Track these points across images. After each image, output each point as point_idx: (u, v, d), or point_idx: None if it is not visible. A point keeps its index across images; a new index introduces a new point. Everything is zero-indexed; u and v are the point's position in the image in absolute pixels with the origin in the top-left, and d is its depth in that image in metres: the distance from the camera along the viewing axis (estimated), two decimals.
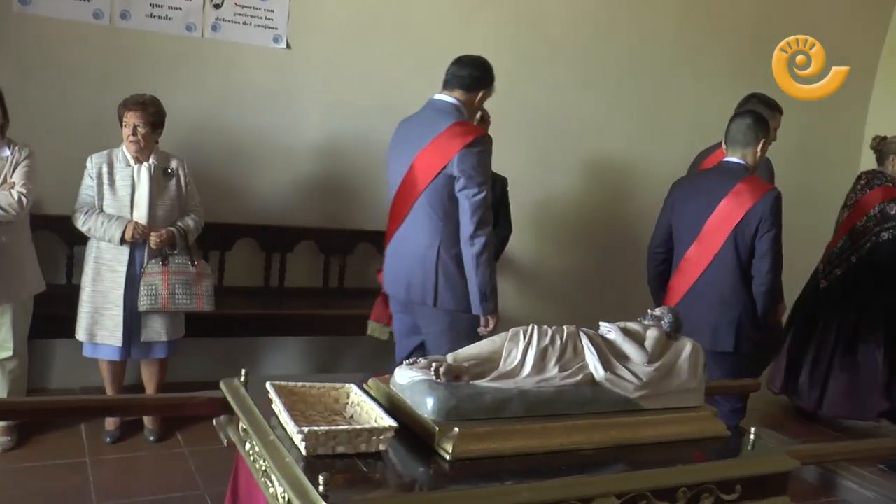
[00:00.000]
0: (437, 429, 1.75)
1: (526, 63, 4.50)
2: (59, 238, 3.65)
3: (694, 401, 2.12)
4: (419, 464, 1.72)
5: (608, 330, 2.12)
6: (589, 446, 1.88)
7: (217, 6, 3.89)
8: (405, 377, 1.92)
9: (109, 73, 3.71)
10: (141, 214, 3.22)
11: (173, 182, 3.32)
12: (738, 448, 2.08)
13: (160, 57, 3.80)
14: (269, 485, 1.72)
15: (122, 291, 3.21)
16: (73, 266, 3.68)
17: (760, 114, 3.21)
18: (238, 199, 4.03)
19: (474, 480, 1.67)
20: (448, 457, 1.72)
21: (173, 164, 3.33)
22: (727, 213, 2.98)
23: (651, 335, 2.12)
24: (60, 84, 3.67)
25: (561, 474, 1.74)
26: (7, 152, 3.06)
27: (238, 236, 4.05)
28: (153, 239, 3.20)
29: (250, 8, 3.94)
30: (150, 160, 3.25)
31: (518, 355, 1.96)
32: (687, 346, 2.14)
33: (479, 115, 3.10)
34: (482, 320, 2.84)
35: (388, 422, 1.72)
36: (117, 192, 3.23)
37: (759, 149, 3.08)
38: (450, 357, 1.95)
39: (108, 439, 3.35)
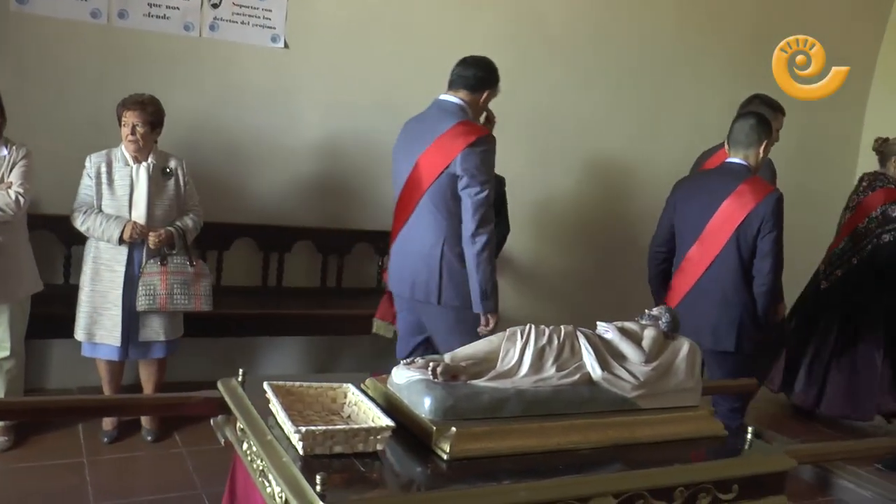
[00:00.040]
0: (435, 428, 1.75)
1: (526, 63, 4.50)
2: (56, 238, 3.65)
3: (691, 400, 2.12)
4: (416, 463, 1.72)
5: (605, 329, 2.13)
6: (586, 446, 1.88)
7: (215, 6, 3.88)
8: (402, 377, 1.92)
9: (107, 72, 3.70)
10: (139, 214, 3.21)
11: (172, 182, 3.31)
12: (736, 447, 2.09)
13: (158, 56, 3.79)
14: (267, 484, 1.72)
15: (120, 291, 3.21)
16: (71, 266, 3.68)
17: (763, 115, 3.21)
18: (236, 199, 4.03)
19: (471, 480, 1.67)
20: (445, 456, 1.72)
21: (172, 163, 3.32)
22: (729, 214, 2.99)
23: (648, 335, 2.12)
24: (58, 83, 3.66)
25: (558, 474, 1.75)
26: (4, 152, 3.06)
27: (236, 236, 4.04)
28: (152, 239, 3.20)
29: (248, 7, 3.94)
30: (149, 160, 3.24)
31: (515, 355, 1.96)
32: (684, 346, 2.14)
33: (484, 115, 3.11)
34: (482, 319, 2.85)
35: (385, 421, 1.72)
36: (116, 192, 3.22)
37: (761, 150, 3.08)
38: (447, 357, 1.95)
39: (106, 439, 3.34)
